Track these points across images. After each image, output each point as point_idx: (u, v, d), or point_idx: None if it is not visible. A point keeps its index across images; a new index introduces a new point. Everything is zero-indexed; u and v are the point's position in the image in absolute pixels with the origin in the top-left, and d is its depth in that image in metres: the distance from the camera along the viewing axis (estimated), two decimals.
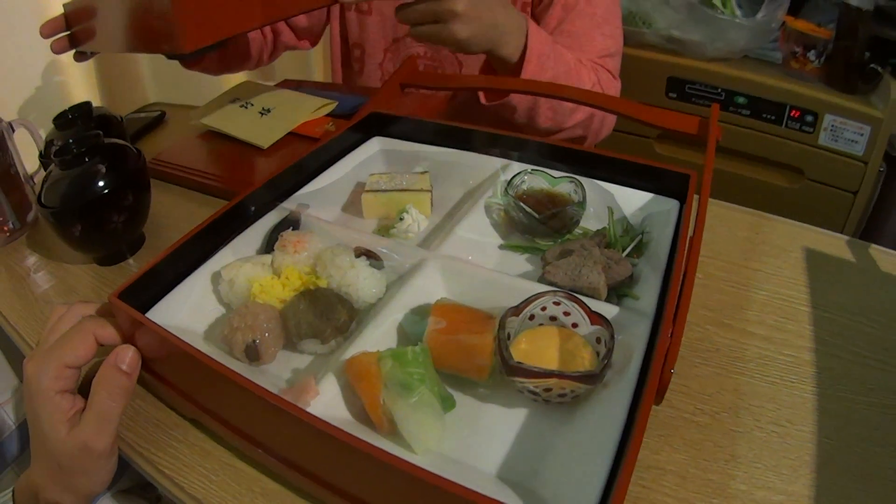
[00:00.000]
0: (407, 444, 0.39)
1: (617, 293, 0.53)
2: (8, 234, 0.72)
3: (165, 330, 0.41)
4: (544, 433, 0.42)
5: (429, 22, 0.69)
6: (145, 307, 0.46)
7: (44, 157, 0.75)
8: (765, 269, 0.64)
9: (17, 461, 0.66)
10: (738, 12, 1.29)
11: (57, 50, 0.74)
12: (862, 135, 1.22)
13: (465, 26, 0.68)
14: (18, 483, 0.44)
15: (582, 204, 0.58)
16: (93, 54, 0.81)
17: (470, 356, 0.44)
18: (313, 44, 1.15)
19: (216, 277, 0.52)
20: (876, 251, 0.68)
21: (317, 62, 1.62)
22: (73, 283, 0.64)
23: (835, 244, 0.69)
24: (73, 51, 0.76)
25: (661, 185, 0.59)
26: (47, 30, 0.72)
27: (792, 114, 1.27)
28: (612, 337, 0.42)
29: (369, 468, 0.34)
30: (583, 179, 0.60)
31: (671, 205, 0.58)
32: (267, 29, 1.05)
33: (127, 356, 0.42)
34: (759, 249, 0.67)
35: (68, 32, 0.74)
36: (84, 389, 0.43)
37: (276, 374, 0.47)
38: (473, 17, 0.69)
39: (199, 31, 0.56)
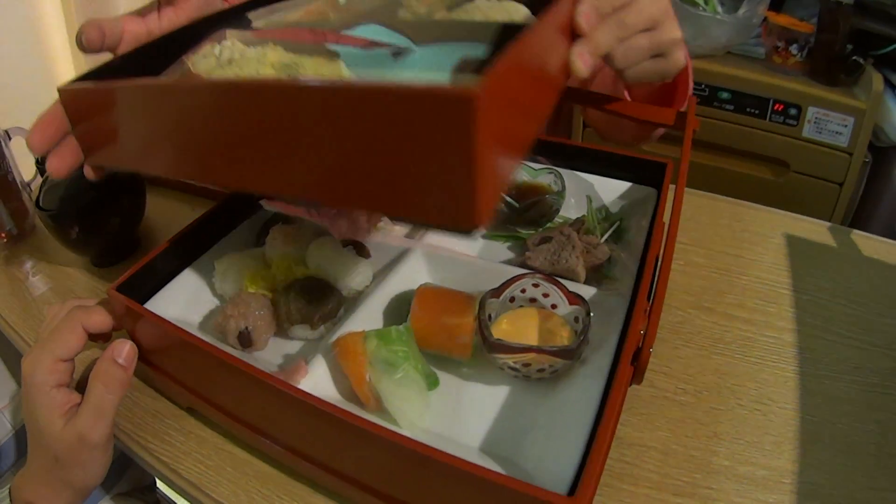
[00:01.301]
0: (393, 421, 0.41)
1: (595, 276, 0.54)
2: (6, 239, 0.73)
3: (163, 319, 0.42)
4: (526, 409, 0.44)
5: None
6: (143, 300, 0.48)
7: (40, 164, 0.76)
8: (746, 256, 0.65)
9: (14, 466, 0.66)
10: (719, 9, 1.31)
11: (60, 172, 0.43)
12: (846, 126, 1.24)
13: (683, 51, 0.56)
14: (14, 482, 0.44)
15: (561, 193, 0.60)
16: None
17: (452, 335, 0.45)
18: None
19: (210, 271, 0.53)
20: (857, 236, 0.69)
21: None
22: (70, 285, 0.66)
23: (816, 231, 0.70)
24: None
25: (639, 175, 0.61)
26: (39, 136, 0.43)
27: (775, 107, 1.29)
28: (589, 314, 0.44)
29: (358, 442, 0.35)
30: (563, 171, 0.62)
31: (649, 192, 0.59)
32: None
33: (123, 350, 0.42)
34: (741, 237, 0.68)
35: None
36: (82, 386, 0.44)
37: (267, 360, 0.48)
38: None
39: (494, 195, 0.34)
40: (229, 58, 0.40)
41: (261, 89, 0.30)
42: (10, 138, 0.73)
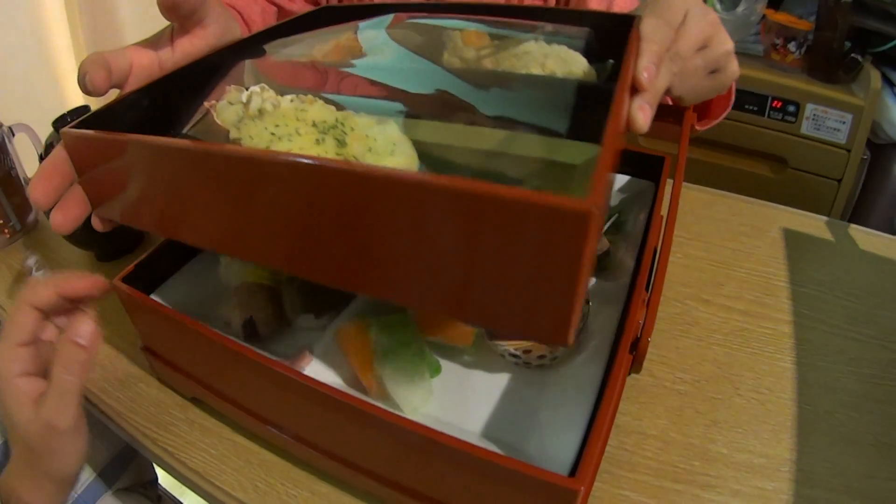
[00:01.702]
0: (397, 407, 0.41)
1: (594, 268, 0.55)
2: (9, 235, 0.73)
3: (168, 308, 0.43)
4: (527, 396, 0.44)
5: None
6: (148, 291, 0.48)
7: (43, 160, 0.77)
8: (743, 249, 0.66)
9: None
10: (718, 7, 1.32)
11: (64, 228, 0.40)
12: (844, 123, 1.24)
13: (735, 59, 0.54)
14: (2, 478, 0.43)
15: None
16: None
17: (453, 322, 0.46)
18: None
19: (215, 261, 0.54)
20: (855, 230, 0.70)
21: None
22: None
23: (813, 225, 0.71)
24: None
25: (637, 169, 0.61)
26: (43, 188, 0.38)
27: (774, 104, 1.29)
28: (588, 303, 0.45)
29: (362, 427, 0.35)
30: None
31: (646, 186, 0.60)
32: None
33: (82, 329, 0.39)
34: (738, 230, 0.69)
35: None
36: None
37: (272, 349, 0.49)
38: None
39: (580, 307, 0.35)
40: (259, 107, 0.36)
41: (333, 174, 0.27)
42: (13, 134, 0.73)
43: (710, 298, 0.59)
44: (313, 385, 0.35)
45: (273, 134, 0.34)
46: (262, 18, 0.90)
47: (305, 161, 0.27)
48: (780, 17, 1.31)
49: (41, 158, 0.77)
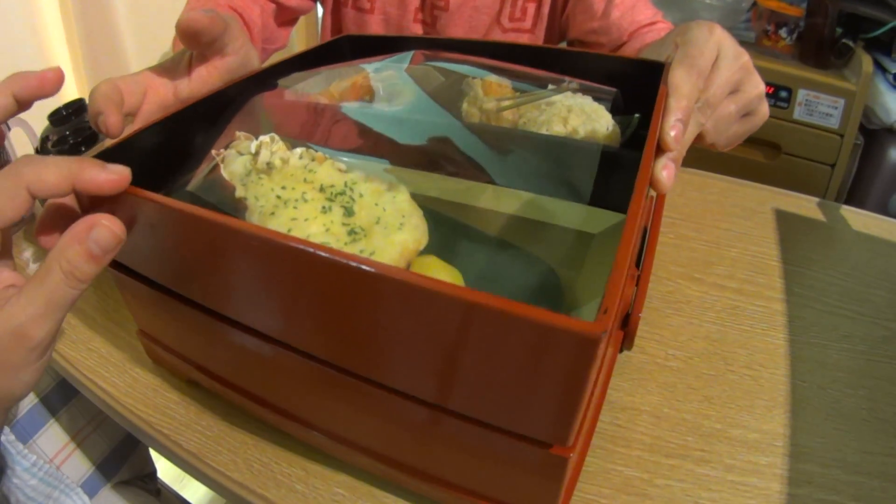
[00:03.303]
0: None
1: None
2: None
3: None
4: None
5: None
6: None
7: (40, 153, 0.77)
8: (735, 229, 0.66)
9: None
10: None
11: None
12: (836, 108, 1.25)
13: (766, 101, 0.52)
14: None
15: None
16: None
17: None
18: (287, 37, 1.01)
19: None
20: (847, 211, 0.70)
21: None
22: None
23: (805, 206, 0.71)
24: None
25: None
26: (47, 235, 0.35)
27: (766, 90, 1.29)
28: None
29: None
30: None
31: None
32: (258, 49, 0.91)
33: (101, 235, 0.30)
34: (730, 211, 0.69)
35: None
36: None
37: None
38: None
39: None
40: (268, 161, 0.35)
41: (346, 272, 0.26)
42: (9, 129, 0.73)
43: (702, 277, 0.59)
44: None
45: (279, 197, 0.33)
46: (262, 19, 0.90)
47: (315, 252, 0.27)
48: (771, 4, 1.31)
49: (36, 152, 0.77)
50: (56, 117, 0.76)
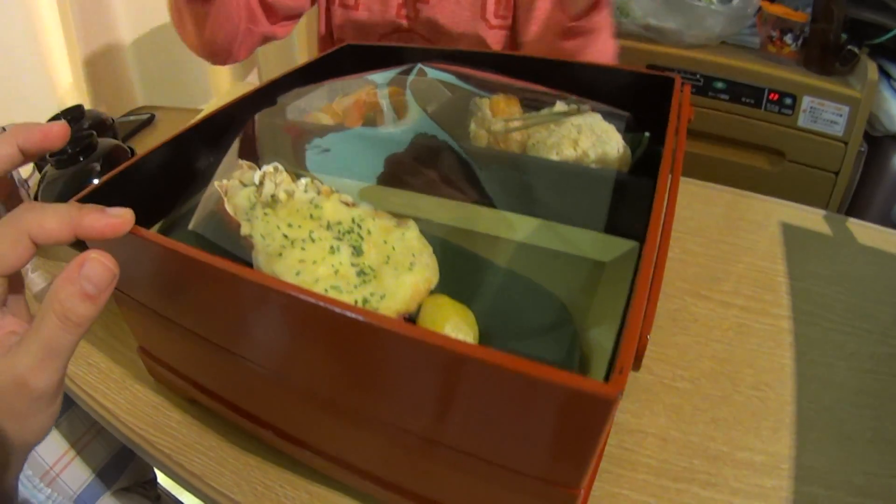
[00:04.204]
0: None
1: None
2: None
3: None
4: None
5: None
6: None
7: (37, 161, 0.76)
8: (741, 244, 0.66)
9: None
10: None
11: None
12: (841, 115, 1.24)
13: None
14: None
15: None
16: None
17: None
18: (286, 32, 1.03)
19: None
20: (853, 224, 0.70)
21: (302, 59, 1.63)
22: None
23: (811, 219, 0.70)
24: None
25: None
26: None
27: (770, 97, 1.29)
28: None
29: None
30: None
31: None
32: (241, 19, 0.91)
33: (95, 271, 0.28)
34: (736, 225, 0.69)
35: None
36: None
37: None
38: None
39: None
40: (272, 194, 0.34)
41: (361, 329, 0.26)
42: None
43: (708, 294, 0.59)
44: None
45: (286, 237, 0.32)
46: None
47: (326, 306, 0.26)
48: (776, 9, 1.30)
49: (35, 161, 0.76)
50: None
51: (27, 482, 0.58)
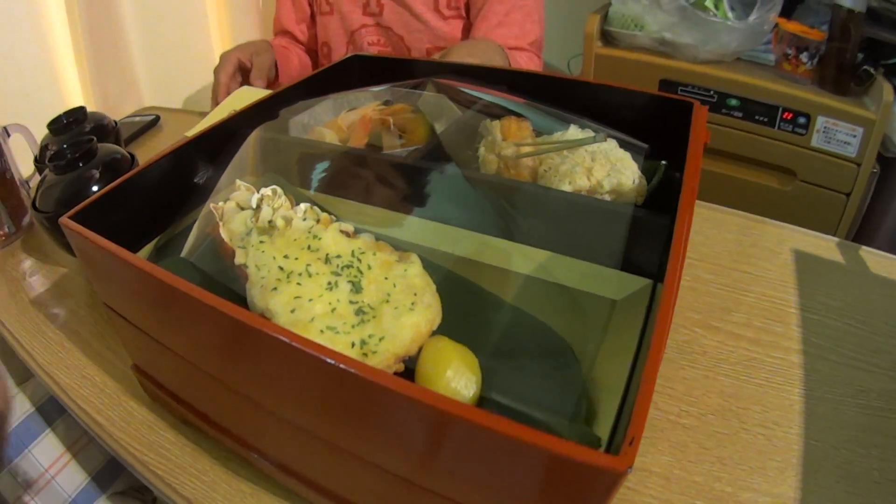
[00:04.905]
0: None
1: None
2: (3, 238, 0.72)
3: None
4: None
5: None
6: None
7: (39, 162, 0.75)
8: (753, 272, 0.64)
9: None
10: (730, 15, 1.30)
11: None
12: (854, 136, 1.22)
13: None
14: None
15: None
16: None
17: None
18: None
19: None
20: (866, 253, 0.68)
21: None
22: (68, 287, 0.65)
23: (824, 246, 0.69)
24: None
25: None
26: None
27: (784, 116, 1.27)
28: None
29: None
30: None
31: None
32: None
33: None
34: (748, 252, 0.67)
35: None
36: None
37: None
38: None
39: None
40: (269, 219, 0.33)
41: (368, 387, 0.25)
42: (9, 135, 0.72)
43: (719, 326, 0.57)
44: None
45: (282, 269, 0.31)
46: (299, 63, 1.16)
47: (319, 356, 0.25)
48: (793, 27, 1.29)
49: (36, 160, 0.75)
50: (56, 126, 0.75)
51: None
